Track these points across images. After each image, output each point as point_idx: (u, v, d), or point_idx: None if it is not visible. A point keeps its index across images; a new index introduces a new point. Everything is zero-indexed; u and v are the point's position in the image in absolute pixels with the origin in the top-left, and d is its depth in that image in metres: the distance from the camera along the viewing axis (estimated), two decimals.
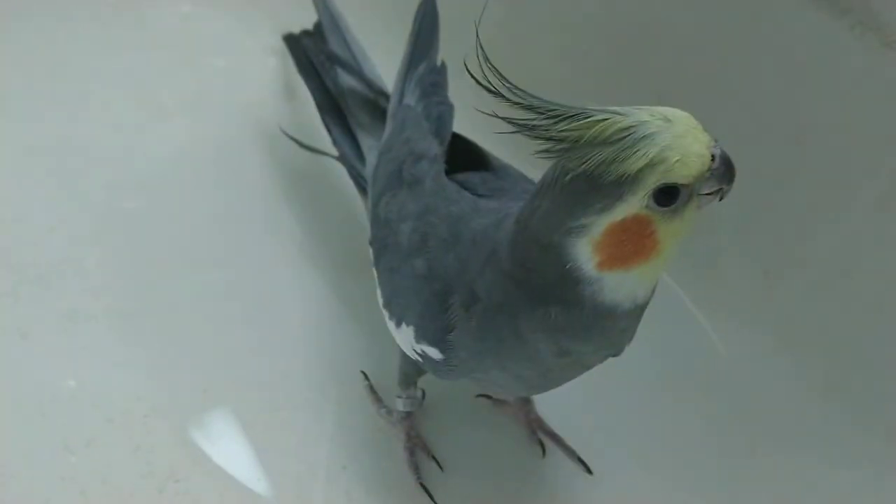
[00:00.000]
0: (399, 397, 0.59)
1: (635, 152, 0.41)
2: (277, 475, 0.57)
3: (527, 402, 0.61)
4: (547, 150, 0.42)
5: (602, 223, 0.42)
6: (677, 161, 0.41)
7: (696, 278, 0.67)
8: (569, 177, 0.42)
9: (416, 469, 0.58)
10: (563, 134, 0.41)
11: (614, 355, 0.50)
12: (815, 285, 0.63)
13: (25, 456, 0.54)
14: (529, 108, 0.42)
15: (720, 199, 0.44)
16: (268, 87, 0.77)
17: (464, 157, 0.59)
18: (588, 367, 0.50)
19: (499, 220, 0.48)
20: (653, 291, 0.47)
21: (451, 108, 0.62)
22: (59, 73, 0.70)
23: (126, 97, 0.72)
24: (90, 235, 0.65)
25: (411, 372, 0.58)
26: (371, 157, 0.65)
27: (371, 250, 0.59)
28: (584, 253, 0.43)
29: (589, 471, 0.60)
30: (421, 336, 0.51)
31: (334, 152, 0.69)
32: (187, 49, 0.77)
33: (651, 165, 0.41)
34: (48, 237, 0.64)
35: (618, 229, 0.42)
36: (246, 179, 0.71)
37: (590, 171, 0.41)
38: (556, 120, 0.41)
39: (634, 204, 0.42)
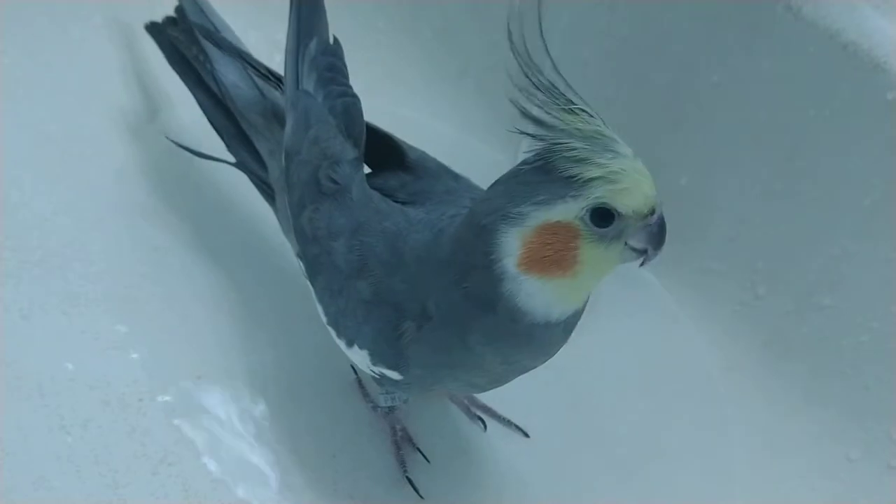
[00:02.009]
0: (381, 393, 0.59)
1: (598, 159, 0.43)
2: (267, 461, 0.58)
3: None
4: (531, 121, 0.43)
5: (537, 217, 0.44)
6: (626, 188, 0.43)
7: (685, 287, 0.69)
8: (527, 167, 0.44)
9: (402, 463, 0.59)
10: (554, 114, 0.43)
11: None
12: (802, 298, 0.65)
13: (23, 434, 0.55)
14: (538, 85, 0.44)
15: (641, 265, 0.46)
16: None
17: (374, 151, 0.58)
18: (529, 370, 0.51)
19: (435, 234, 0.49)
20: (576, 317, 0.48)
21: (357, 100, 0.58)
22: (69, 61, 0.71)
23: (134, 86, 0.72)
24: (94, 222, 0.65)
25: None
26: (274, 162, 0.61)
27: (300, 263, 0.57)
28: (511, 245, 0.45)
29: (525, 434, 0.62)
30: (377, 360, 0.52)
31: (231, 158, 0.64)
32: None
33: (603, 179, 0.43)
34: (52, 222, 0.65)
35: (548, 231, 0.44)
36: None
37: (549, 161, 0.43)
38: (555, 100, 0.43)
39: (572, 210, 0.43)
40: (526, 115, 0.44)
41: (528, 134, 0.44)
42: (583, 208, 0.43)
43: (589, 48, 0.71)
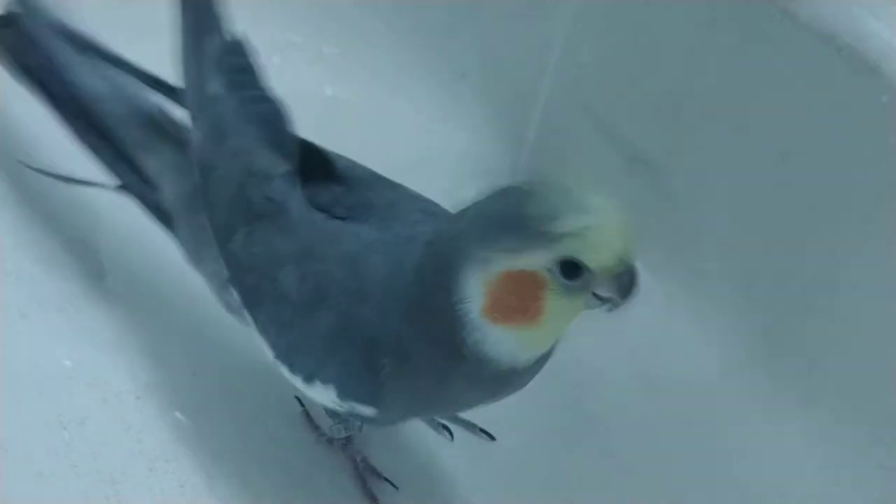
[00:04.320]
0: (335, 423, 0.56)
1: (566, 216, 0.41)
2: (265, 459, 0.58)
3: None
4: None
5: (502, 264, 0.42)
6: (595, 245, 0.42)
7: (681, 288, 0.69)
8: (496, 206, 0.43)
9: (373, 498, 0.56)
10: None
11: None
12: (798, 299, 0.65)
13: (21, 430, 0.56)
14: None
15: (608, 311, 0.45)
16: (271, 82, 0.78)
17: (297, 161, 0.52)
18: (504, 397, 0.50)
19: (396, 263, 0.47)
20: (546, 356, 0.48)
21: (281, 106, 0.53)
22: None
23: None
24: (95, 220, 0.66)
25: None
26: (167, 182, 0.55)
27: (233, 290, 0.52)
28: (475, 290, 0.43)
29: (491, 437, 0.60)
30: (347, 395, 0.49)
31: (111, 181, 0.57)
32: None
33: (572, 235, 0.41)
34: (53, 220, 0.65)
35: (513, 279, 0.42)
36: None
37: (518, 214, 0.42)
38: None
39: (539, 261, 0.42)
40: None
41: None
42: (551, 260, 0.42)
43: (587, 51, 0.71)
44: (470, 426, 0.60)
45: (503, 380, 0.46)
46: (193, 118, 0.53)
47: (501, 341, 0.44)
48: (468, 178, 0.71)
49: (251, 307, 0.51)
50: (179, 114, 0.57)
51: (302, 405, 0.58)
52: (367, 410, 0.48)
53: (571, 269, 0.42)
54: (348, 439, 0.57)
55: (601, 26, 0.71)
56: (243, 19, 0.78)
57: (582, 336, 0.64)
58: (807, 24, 0.62)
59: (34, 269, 0.63)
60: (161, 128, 0.57)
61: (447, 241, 0.44)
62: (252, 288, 0.50)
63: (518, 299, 0.43)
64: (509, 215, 0.42)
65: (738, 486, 0.61)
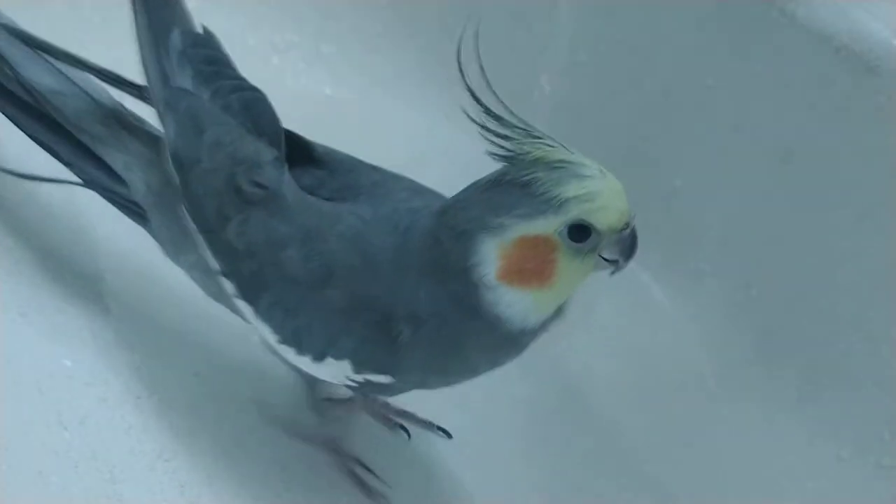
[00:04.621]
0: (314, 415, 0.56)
1: (570, 183, 0.44)
2: (264, 459, 0.58)
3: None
4: (499, 154, 0.45)
5: (517, 230, 0.45)
6: (601, 206, 0.44)
7: (678, 287, 0.69)
8: (507, 177, 0.45)
9: (368, 489, 0.57)
10: (516, 145, 0.45)
11: None
12: (795, 299, 0.65)
13: (21, 430, 0.56)
14: (498, 118, 0.45)
15: (612, 273, 0.47)
16: (267, 83, 0.78)
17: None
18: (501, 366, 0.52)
19: (402, 235, 0.48)
20: (549, 321, 0.49)
21: (259, 93, 0.53)
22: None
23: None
24: (95, 220, 0.65)
25: (320, 390, 0.56)
26: (136, 176, 0.55)
27: (226, 283, 0.52)
28: (491, 255, 0.45)
29: (448, 435, 0.60)
30: (363, 367, 0.50)
31: (75, 178, 0.57)
32: None
33: (579, 199, 0.44)
34: (52, 220, 0.65)
35: (527, 244, 0.45)
36: None
37: (527, 183, 0.44)
38: (517, 133, 0.45)
39: (552, 225, 0.44)
40: (495, 154, 0.46)
41: (501, 160, 0.46)
42: (562, 223, 0.44)
43: (585, 51, 0.72)
44: (426, 423, 0.61)
45: (512, 341, 0.48)
46: (161, 114, 0.53)
47: (515, 302, 0.46)
48: (467, 178, 0.71)
49: (250, 295, 0.51)
50: (143, 110, 0.56)
51: (265, 409, 0.58)
52: (383, 379, 0.50)
53: (580, 231, 0.44)
54: (334, 437, 0.57)
55: (600, 26, 0.71)
56: (241, 20, 0.79)
57: (580, 336, 0.65)
58: (805, 24, 0.63)
59: (34, 270, 0.63)
60: (124, 122, 0.56)
61: (461, 210, 0.46)
62: (251, 275, 0.51)
63: (532, 263, 0.45)
64: (520, 184, 0.44)
65: (736, 486, 0.62)
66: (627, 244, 0.46)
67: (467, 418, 0.62)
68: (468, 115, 0.46)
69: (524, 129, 0.45)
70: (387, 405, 0.60)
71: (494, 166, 0.73)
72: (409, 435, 0.60)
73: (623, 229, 0.45)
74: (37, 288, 0.62)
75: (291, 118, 0.74)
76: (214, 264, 0.52)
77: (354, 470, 0.57)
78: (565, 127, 0.72)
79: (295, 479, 0.58)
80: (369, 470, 0.58)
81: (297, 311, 0.50)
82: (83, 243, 0.65)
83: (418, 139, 0.75)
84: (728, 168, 0.68)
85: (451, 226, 0.46)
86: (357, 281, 0.49)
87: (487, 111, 0.46)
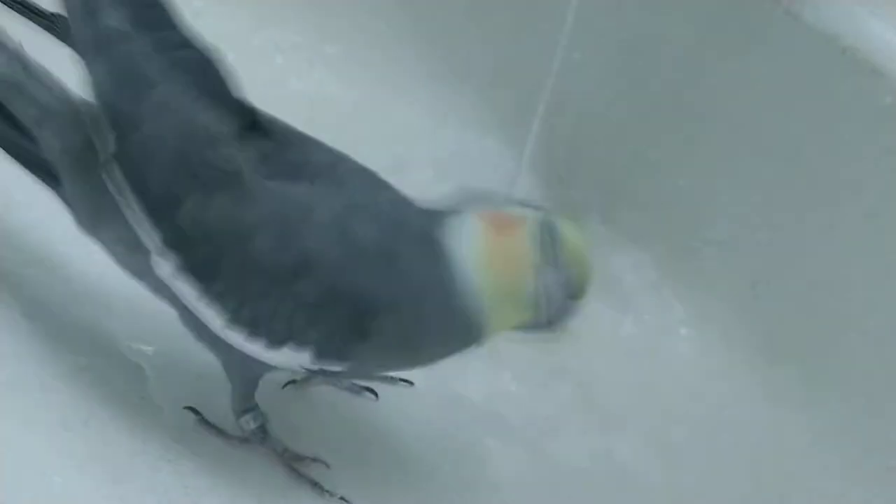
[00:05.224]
0: (246, 414, 0.54)
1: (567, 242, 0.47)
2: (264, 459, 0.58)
3: None
4: None
5: (502, 205, 0.48)
6: (585, 274, 0.48)
7: (684, 287, 0.69)
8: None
9: (316, 484, 0.55)
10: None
11: None
12: (801, 300, 0.65)
13: (25, 430, 0.55)
14: None
15: (543, 331, 0.50)
16: (271, 83, 0.78)
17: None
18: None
19: (382, 224, 0.48)
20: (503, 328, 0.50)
21: (212, 52, 0.47)
22: None
23: None
24: None
25: (252, 383, 0.53)
26: (50, 133, 0.49)
27: (171, 257, 0.48)
28: (471, 242, 0.47)
29: (375, 394, 0.59)
30: (324, 357, 0.48)
31: None
32: None
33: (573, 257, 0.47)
34: (56, 221, 0.65)
35: (505, 214, 0.48)
36: None
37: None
38: None
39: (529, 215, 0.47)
40: None
41: None
42: (537, 220, 0.47)
43: (590, 51, 0.72)
44: (391, 380, 0.59)
45: (473, 330, 0.48)
46: (86, 56, 0.46)
47: (482, 293, 0.47)
48: (471, 178, 0.71)
49: (201, 276, 0.47)
50: (57, 49, 0.50)
51: (197, 413, 0.56)
52: (340, 367, 0.49)
53: (550, 230, 0.47)
54: (264, 433, 0.54)
55: (604, 26, 0.71)
56: (245, 20, 0.79)
57: (584, 339, 0.65)
58: (810, 25, 0.63)
59: (36, 270, 0.63)
60: (30, 69, 0.49)
61: (442, 200, 0.49)
62: (206, 259, 0.47)
63: (506, 220, 0.47)
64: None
65: (741, 488, 0.62)
66: (566, 313, 0.49)
67: (470, 419, 0.62)
68: None
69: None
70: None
71: (500, 165, 0.74)
72: (376, 395, 0.59)
73: (575, 267, 0.47)
74: (39, 288, 0.62)
75: (295, 118, 0.75)
76: (151, 241, 0.48)
77: (286, 458, 0.55)
78: (569, 127, 0.73)
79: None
80: (302, 456, 0.56)
81: (258, 300, 0.47)
82: (84, 243, 0.64)
83: (422, 140, 0.75)
84: (733, 168, 0.68)
85: (433, 213, 0.48)
86: (336, 274, 0.47)
87: None
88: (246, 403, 0.54)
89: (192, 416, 0.57)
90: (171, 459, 0.57)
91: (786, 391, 0.64)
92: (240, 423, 0.54)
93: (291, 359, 0.49)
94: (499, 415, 0.63)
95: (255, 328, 0.48)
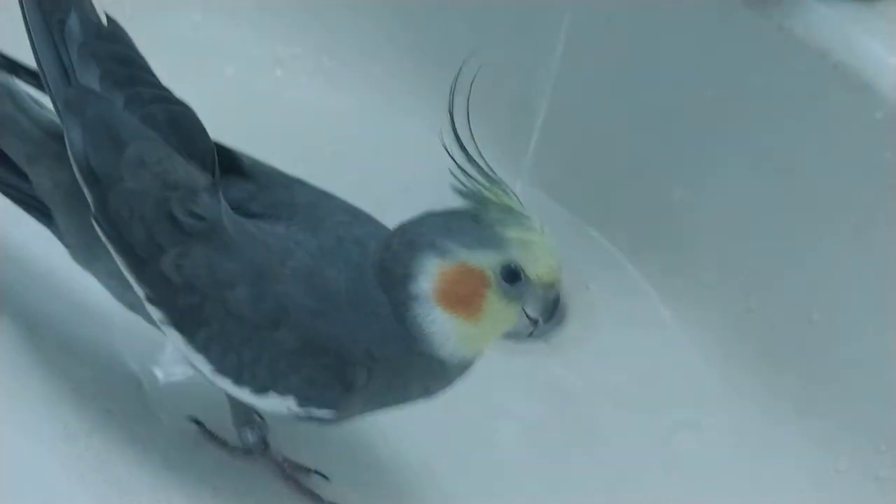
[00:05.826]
0: (247, 426, 0.55)
1: (514, 227, 0.47)
2: (269, 469, 0.59)
3: None
4: (461, 191, 0.48)
5: (459, 256, 0.47)
6: (535, 256, 0.47)
7: (679, 298, 0.70)
8: (464, 209, 0.48)
9: (316, 497, 0.56)
10: (478, 185, 0.47)
11: None
12: (794, 311, 0.66)
13: (28, 443, 0.56)
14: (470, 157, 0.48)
15: (529, 334, 0.50)
16: (270, 95, 0.78)
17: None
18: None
19: (355, 268, 0.48)
20: (468, 366, 0.50)
21: (187, 109, 0.49)
22: None
23: None
24: None
25: (251, 407, 0.53)
26: (42, 169, 0.49)
27: (155, 310, 0.49)
28: (431, 271, 0.47)
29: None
30: (310, 403, 0.49)
31: None
32: (197, 57, 0.78)
33: (518, 242, 0.47)
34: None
35: (465, 272, 0.47)
36: None
37: (478, 218, 0.47)
38: (482, 175, 0.47)
39: (490, 261, 0.47)
40: (459, 190, 0.48)
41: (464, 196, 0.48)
42: (499, 262, 0.47)
43: (586, 64, 0.72)
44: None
45: (441, 369, 0.49)
46: (62, 112, 0.47)
47: (443, 325, 0.47)
48: None
49: (185, 328, 0.49)
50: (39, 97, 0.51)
51: (199, 424, 0.57)
52: (328, 414, 0.50)
53: (512, 274, 0.47)
54: (265, 444, 0.56)
55: (601, 39, 0.72)
56: (244, 32, 0.80)
57: (581, 348, 0.66)
58: (802, 39, 0.63)
59: (40, 282, 0.63)
60: (21, 104, 0.50)
61: (416, 225, 0.48)
62: (190, 309, 0.48)
63: (465, 291, 0.47)
64: (472, 217, 0.47)
65: (735, 497, 0.62)
66: (550, 304, 0.48)
67: (466, 431, 0.62)
68: (445, 149, 0.48)
69: (489, 174, 0.48)
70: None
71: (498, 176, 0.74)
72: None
73: (549, 287, 0.48)
74: (44, 300, 0.62)
75: (294, 130, 0.76)
76: (139, 289, 0.49)
77: (286, 469, 0.56)
78: (565, 138, 0.73)
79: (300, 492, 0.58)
80: (302, 467, 0.57)
81: (241, 348, 0.48)
82: None
83: (420, 151, 0.75)
84: (727, 180, 0.68)
85: (403, 235, 0.48)
86: (312, 323, 0.48)
87: (462, 148, 0.48)
88: (246, 417, 0.55)
89: (193, 427, 0.58)
90: (173, 470, 0.57)
91: (778, 400, 0.65)
92: (241, 435, 0.56)
93: (277, 404, 0.50)
94: (498, 428, 0.64)
95: (239, 376, 0.49)
